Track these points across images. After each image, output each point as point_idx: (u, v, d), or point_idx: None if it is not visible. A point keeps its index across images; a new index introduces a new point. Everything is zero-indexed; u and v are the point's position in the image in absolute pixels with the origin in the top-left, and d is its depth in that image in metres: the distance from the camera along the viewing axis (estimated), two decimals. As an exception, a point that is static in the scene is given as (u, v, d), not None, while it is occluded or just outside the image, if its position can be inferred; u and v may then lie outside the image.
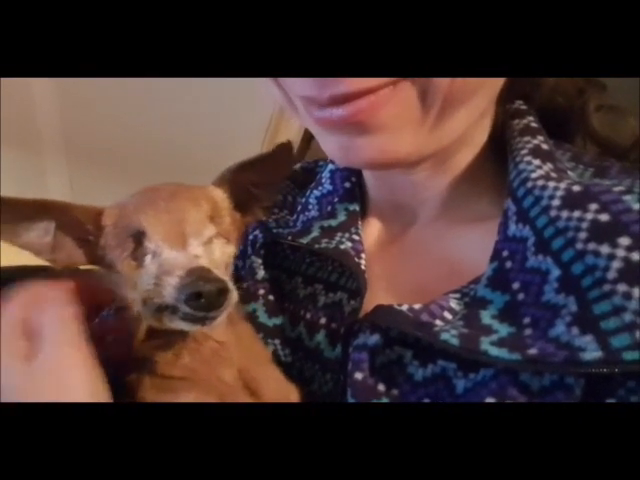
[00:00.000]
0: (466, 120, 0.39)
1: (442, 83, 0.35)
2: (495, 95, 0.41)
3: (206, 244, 0.34)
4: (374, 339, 0.37)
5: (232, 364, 0.37)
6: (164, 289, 0.31)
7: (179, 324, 0.32)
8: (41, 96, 1.56)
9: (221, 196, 0.38)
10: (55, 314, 0.33)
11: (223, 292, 0.30)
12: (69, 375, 0.31)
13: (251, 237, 0.54)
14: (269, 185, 0.41)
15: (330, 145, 0.41)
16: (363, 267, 0.44)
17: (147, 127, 1.61)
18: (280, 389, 0.40)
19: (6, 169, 1.61)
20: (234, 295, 0.32)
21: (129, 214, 0.34)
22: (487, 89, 0.39)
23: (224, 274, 0.33)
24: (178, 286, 0.30)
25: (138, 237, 0.33)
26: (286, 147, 0.39)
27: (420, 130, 0.37)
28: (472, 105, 0.38)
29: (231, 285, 0.32)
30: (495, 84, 0.40)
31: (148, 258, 0.33)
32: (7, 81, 1.39)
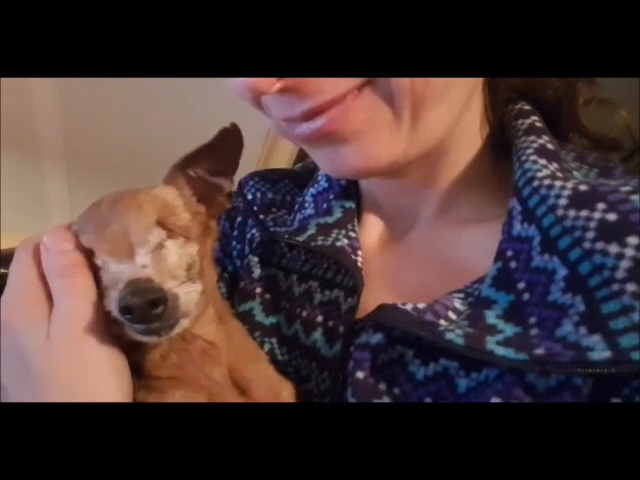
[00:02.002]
0: (446, 116, 0.39)
1: (403, 84, 0.35)
2: (473, 87, 0.41)
3: (155, 250, 0.33)
4: (377, 338, 0.37)
5: (222, 363, 0.37)
6: (110, 303, 0.31)
7: (138, 337, 0.31)
8: (41, 101, 1.56)
9: (172, 194, 0.37)
10: (68, 277, 0.33)
11: (156, 303, 0.29)
12: (86, 342, 0.32)
13: (249, 236, 0.54)
14: (225, 171, 0.40)
15: (319, 158, 0.42)
16: (359, 264, 0.44)
17: (146, 133, 1.61)
18: (271, 387, 0.40)
19: (5, 174, 1.61)
20: (182, 301, 0.31)
21: (78, 236, 0.34)
22: (460, 82, 0.38)
23: (185, 276, 0.33)
24: (115, 299, 0.30)
25: (90, 256, 0.34)
26: (231, 130, 0.38)
27: (398, 132, 0.38)
28: (449, 100, 0.38)
29: (177, 290, 0.31)
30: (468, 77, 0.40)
31: (101, 274, 0.33)
32: (7, 86, 1.39)
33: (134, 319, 0.30)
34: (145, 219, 0.34)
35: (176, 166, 0.39)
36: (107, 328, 0.32)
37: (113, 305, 0.30)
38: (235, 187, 0.42)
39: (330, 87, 0.36)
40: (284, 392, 0.40)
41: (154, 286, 0.30)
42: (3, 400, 0.33)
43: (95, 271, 0.33)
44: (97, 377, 0.32)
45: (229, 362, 0.38)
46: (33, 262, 0.34)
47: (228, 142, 0.38)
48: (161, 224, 0.34)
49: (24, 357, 0.32)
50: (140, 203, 0.35)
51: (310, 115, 0.37)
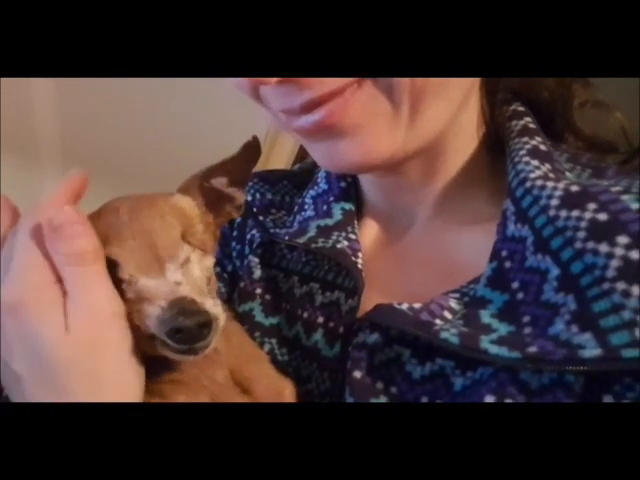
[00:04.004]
0: (444, 112, 0.39)
1: (404, 78, 0.35)
2: (471, 85, 0.42)
3: (184, 265, 0.32)
4: (373, 338, 0.38)
5: (223, 365, 0.37)
6: (148, 319, 0.30)
7: (170, 354, 0.31)
8: (40, 103, 1.56)
9: (189, 204, 0.37)
10: (81, 265, 0.30)
11: (206, 325, 0.30)
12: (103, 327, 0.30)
13: (249, 237, 0.54)
14: (240, 183, 0.40)
15: (316, 153, 0.42)
16: (360, 266, 0.44)
17: (144, 135, 1.61)
18: (272, 386, 0.40)
19: (3, 176, 1.60)
20: (220, 321, 0.31)
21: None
22: (459, 80, 0.39)
23: (207, 292, 0.33)
24: (160, 319, 0.30)
25: (112, 267, 0.32)
26: (253, 144, 0.38)
27: (397, 126, 0.38)
28: (448, 97, 0.39)
29: (215, 310, 0.31)
30: None
31: (125, 287, 0.32)
32: (6, 87, 1.39)
33: (182, 340, 0.29)
34: (172, 232, 0.33)
35: (196, 177, 0.38)
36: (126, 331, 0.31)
37: (154, 323, 0.30)
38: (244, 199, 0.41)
39: (329, 79, 0.36)
40: (286, 391, 0.40)
41: (200, 307, 0.30)
42: (12, 387, 0.32)
43: (116, 284, 0.32)
44: (119, 373, 0.31)
45: (229, 364, 0.38)
46: (37, 239, 0.31)
47: (249, 155, 0.38)
48: (183, 237, 0.34)
49: (42, 348, 0.30)
50: (163, 214, 0.33)
51: (309, 107, 0.37)
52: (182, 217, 0.35)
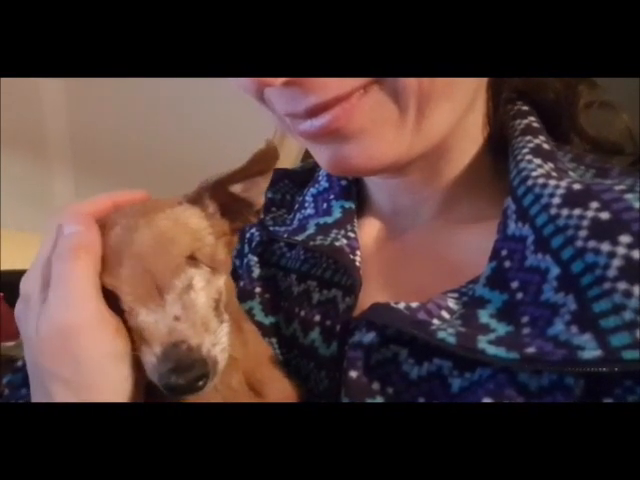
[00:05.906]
0: (450, 115, 0.39)
1: (410, 82, 0.35)
2: (477, 88, 0.41)
3: (184, 293, 0.30)
4: (370, 337, 0.37)
5: (238, 369, 0.37)
6: (145, 365, 0.29)
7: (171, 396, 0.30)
8: (49, 102, 1.58)
9: (196, 216, 0.35)
10: (65, 261, 0.30)
11: (201, 377, 0.29)
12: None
13: (248, 235, 0.54)
14: (257, 189, 0.38)
15: (320, 156, 0.42)
16: (358, 264, 0.44)
17: (152, 132, 1.62)
18: (284, 388, 0.39)
19: (13, 174, 1.62)
20: (220, 364, 0.30)
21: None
22: (465, 82, 0.38)
23: (214, 317, 0.31)
24: (154, 369, 0.29)
25: (110, 295, 0.30)
26: (270, 150, 0.36)
27: (402, 131, 0.38)
28: (453, 100, 0.38)
29: (215, 352, 0.30)
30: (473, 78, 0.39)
31: (127, 317, 0.30)
32: (15, 87, 1.41)
33: (177, 394, 0.29)
34: (171, 255, 0.31)
35: (207, 186, 0.36)
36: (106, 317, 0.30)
37: (150, 370, 0.29)
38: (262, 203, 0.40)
39: (335, 84, 0.35)
40: (295, 394, 0.40)
41: (195, 357, 0.29)
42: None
43: (118, 312, 0.31)
44: (92, 370, 0.30)
45: (244, 367, 0.37)
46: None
47: (265, 160, 0.36)
48: (189, 255, 0.32)
49: (29, 344, 0.31)
50: (162, 233, 0.31)
51: (314, 112, 0.37)
52: (187, 232, 0.33)
